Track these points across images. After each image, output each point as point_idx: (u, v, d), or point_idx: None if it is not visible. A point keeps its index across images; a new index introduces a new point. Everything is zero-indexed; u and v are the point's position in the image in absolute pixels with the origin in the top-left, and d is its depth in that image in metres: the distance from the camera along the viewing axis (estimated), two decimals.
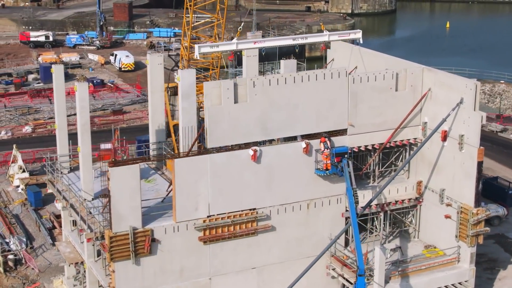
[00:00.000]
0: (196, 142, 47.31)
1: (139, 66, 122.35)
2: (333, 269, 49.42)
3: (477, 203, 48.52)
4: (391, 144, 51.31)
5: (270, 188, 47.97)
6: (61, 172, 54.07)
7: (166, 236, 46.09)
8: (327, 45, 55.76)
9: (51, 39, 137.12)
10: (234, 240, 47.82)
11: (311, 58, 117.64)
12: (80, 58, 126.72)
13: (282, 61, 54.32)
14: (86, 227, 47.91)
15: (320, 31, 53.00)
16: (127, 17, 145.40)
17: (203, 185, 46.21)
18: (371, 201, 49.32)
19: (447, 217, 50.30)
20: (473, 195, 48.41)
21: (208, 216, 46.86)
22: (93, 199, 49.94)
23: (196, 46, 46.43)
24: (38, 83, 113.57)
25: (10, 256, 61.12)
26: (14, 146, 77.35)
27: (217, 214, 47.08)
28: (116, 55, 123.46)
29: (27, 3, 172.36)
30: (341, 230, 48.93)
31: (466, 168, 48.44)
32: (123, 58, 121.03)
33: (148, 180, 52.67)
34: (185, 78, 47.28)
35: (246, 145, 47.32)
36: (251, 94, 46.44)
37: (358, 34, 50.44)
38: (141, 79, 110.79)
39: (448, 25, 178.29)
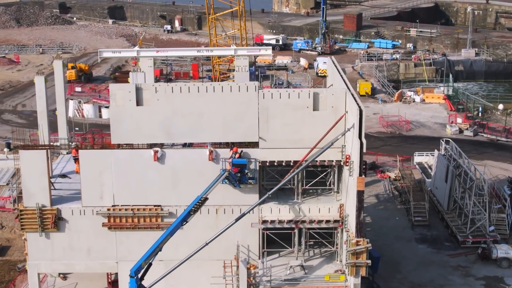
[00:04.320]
0: None
1: None
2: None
3: (359, 233, 44.70)
4: (316, 163, 48.87)
5: (176, 188, 48.85)
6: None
7: (73, 217, 49.52)
8: None
9: (280, 42, 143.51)
10: (139, 231, 49.60)
11: None
12: (291, 61, 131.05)
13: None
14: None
15: None
16: (355, 27, 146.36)
17: (107, 176, 48.72)
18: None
19: (345, 243, 46.99)
20: (353, 224, 44.77)
21: (112, 206, 49.23)
22: (51, 177, 54.65)
23: (99, 50, 48.87)
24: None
25: None
26: None
27: (121, 205, 49.25)
28: (317, 61, 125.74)
29: (307, 10, 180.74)
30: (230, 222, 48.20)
31: (352, 196, 45.00)
32: (320, 64, 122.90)
33: None
34: None
35: (154, 145, 48.77)
36: (154, 99, 47.78)
37: (268, 51, 48.74)
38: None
39: None
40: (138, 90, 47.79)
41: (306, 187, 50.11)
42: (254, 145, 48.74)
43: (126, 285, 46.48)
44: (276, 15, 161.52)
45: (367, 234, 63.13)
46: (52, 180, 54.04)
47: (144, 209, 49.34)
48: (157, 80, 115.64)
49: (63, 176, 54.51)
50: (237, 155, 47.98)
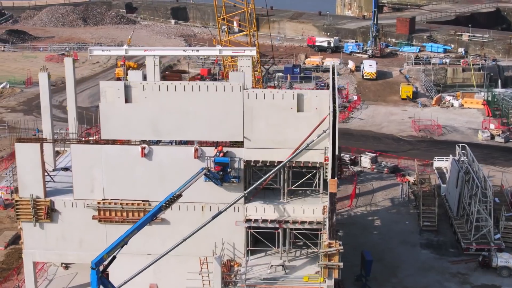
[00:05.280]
0: None
1: (382, 76, 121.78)
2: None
3: (331, 235, 44.15)
4: (300, 165, 48.58)
5: (163, 184, 49.28)
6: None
7: (65, 209, 50.70)
8: None
9: (332, 45, 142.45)
10: (128, 225, 50.03)
11: None
12: (339, 63, 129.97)
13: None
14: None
15: None
16: (407, 30, 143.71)
17: (97, 171, 49.63)
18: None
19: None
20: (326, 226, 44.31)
21: (102, 199, 50.10)
22: (53, 170, 56.02)
23: (89, 48, 49.63)
24: (281, 80, 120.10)
25: None
26: None
27: (111, 199, 50.05)
28: (363, 63, 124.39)
29: (362, 13, 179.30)
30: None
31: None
32: (366, 67, 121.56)
33: None
34: None
35: (143, 142, 49.40)
36: (142, 96, 48.38)
37: (253, 52, 48.55)
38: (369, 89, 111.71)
39: None
40: (127, 87, 48.49)
41: (292, 187, 49.75)
42: (240, 144, 48.75)
43: (116, 277, 47.22)
44: (331, 18, 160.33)
45: (373, 236, 62.77)
46: (54, 173, 55.43)
47: (132, 204, 50.03)
48: (203, 79, 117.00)
49: (66, 169, 55.67)
50: (221, 154, 48.08)
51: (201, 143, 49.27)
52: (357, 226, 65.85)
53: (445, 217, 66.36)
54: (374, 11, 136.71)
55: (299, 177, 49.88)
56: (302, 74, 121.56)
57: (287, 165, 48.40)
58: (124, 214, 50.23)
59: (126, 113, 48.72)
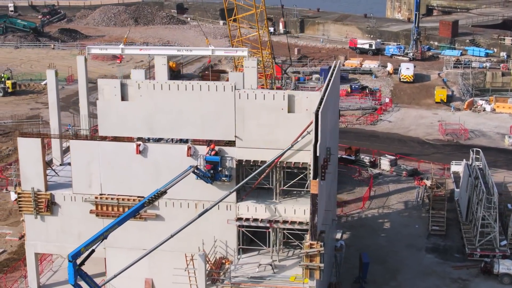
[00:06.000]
0: None
1: (419, 79, 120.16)
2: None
3: (313, 236, 43.84)
4: (291, 165, 48.36)
5: (158, 181, 49.53)
6: None
7: (65, 202, 51.63)
8: None
9: (373, 47, 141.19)
10: None
11: None
12: (378, 66, 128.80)
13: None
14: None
15: None
16: (450, 34, 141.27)
17: (95, 166, 50.38)
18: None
19: None
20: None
21: (100, 194, 50.83)
22: (60, 165, 57.09)
23: (87, 47, 50.30)
24: (317, 82, 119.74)
25: None
26: None
27: (108, 194, 50.75)
28: (400, 66, 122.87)
29: (409, 16, 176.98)
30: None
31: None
32: (403, 69, 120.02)
33: None
34: None
35: (139, 139, 49.95)
36: (137, 95, 48.92)
37: (244, 52, 48.44)
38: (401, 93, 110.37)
39: None
40: (123, 85, 49.13)
41: (284, 188, 49.54)
42: (232, 143, 48.82)
43: (113, 270, 47.98)
44: (374, 20, 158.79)
45: (380, 239, 62.10)
46: (61, 167, 56.47)
47: (128, 199, 50.54)
48: None
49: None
50: (213, 152, 48.21)
51: (196, 142, 49.47)
52: (365, 228, 65.22)
53: (456, 222, 65.11)
54: (416, 14, 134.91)
55: (293, 178, 49.63)
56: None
57: (278, 165, 48.20)
58: (120, 209, 50.70)
59: (122, 110, 49.31)
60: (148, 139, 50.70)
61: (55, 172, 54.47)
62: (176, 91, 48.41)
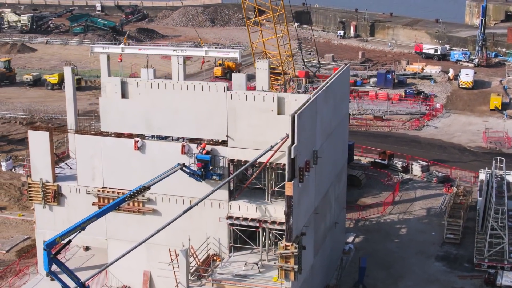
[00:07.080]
0: None
1: (479, 85, 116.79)
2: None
3: (288, 238, 43.55)
4: (280, 166, 48.20)
5: (155, 177, 50.45)
6: None
7: (70, 194, 53.20)
8: None
9: (439, 52, 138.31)
10: (124, 213, 52.04)
11: None
12: (439, 71, 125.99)
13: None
14: None
15: None
16: None
17: (97, 160, 51.68)
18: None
19: None
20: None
21: (102, 187, 52.11)
22: (75, 158, 58.64)
23: (90, 46, 51.41)
24: (374, 86, 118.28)
25: None
26: None
27: (109, 188, 51.96)
28: (460, 72, 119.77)
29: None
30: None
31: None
32: (463, 75, 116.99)
33: None
34: None
35: (139, 136, 50.94)
36: (136, 93, 49.86)
37: (236, 54, 48.37)
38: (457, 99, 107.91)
39: None
40: (123, 83, 50.11)
41: (276, 189, 49.37)
42: (224, 143, 49.05)
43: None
44: (443, 26, 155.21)
45: (391, 244, 61.01)
46: (74, 161, 58.02)
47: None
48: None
49: None
50: (204, 151, 48.57)
51: (192, 140, 49.93)
52: (380, 233, 64.05)
53: (473, 231, 63.06)
54: (482, 19, 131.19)
55: (284, 178, 49.31)
56: (395, 81, 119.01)
57: (267, 166, 48.10)
58: None
59: (122, 107, 50.33)
60: (152, 136, 51.45)
61: (67, 165, 56.08)
62: (172, 90, 49.03)
